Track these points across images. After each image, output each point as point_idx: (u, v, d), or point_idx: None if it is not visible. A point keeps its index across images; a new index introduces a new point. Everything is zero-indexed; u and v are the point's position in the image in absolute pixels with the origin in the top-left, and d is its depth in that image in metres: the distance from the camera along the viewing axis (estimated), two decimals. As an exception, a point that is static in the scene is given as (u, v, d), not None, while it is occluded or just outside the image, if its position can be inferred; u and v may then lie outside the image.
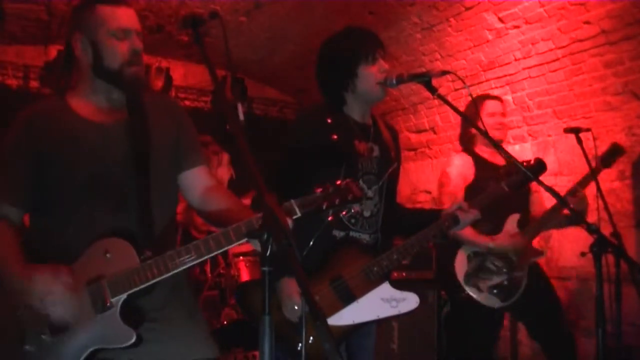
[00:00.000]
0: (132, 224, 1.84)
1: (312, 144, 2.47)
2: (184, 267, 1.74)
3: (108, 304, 1.72)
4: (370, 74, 2.50)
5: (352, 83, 2.52)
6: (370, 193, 2.55)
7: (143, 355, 1.79)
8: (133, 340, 1.72)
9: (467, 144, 3.61)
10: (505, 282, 3.31)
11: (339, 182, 1.85)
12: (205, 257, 1.75)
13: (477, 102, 3.51)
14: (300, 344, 2.28)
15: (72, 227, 1.83)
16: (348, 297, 2.42)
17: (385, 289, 2.47)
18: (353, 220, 2.52)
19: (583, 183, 3.28)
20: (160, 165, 1.94)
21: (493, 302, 3.30)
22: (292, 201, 1.80)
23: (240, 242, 1.71)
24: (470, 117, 3.30)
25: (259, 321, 2.39)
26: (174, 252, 1.73)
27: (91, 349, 1.72)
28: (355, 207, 2.42)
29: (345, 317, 2.39)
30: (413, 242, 2.51)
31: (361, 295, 2.43)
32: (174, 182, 2.03)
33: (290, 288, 2.29)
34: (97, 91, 1.93)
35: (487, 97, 3.64)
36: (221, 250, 1.75)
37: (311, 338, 2.33)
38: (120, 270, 1.73)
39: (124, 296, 1.73)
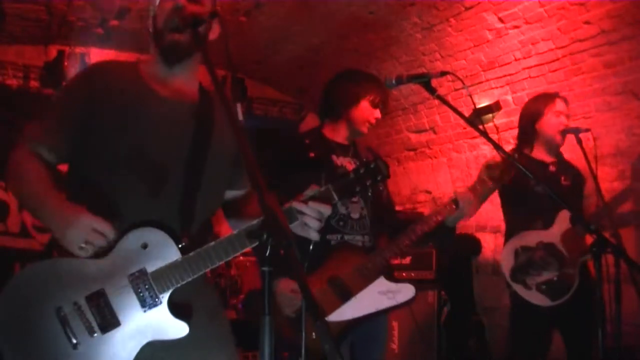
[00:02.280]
0: (174, 212, 1.77)
1: (289, 163, 2.71)
2: (225, 259, 1.71)
3: (157, 300, 1.68)
4: (368, 111, 2.80)
5: (351, 107, 2.80)
6: (353, 198, 2.72)
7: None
8: (187, 331, 1.69)
9: (522, 144, 3.44)
10: (555, 279, 3.11)
11: (369, 162, 1.86)
12: (240, 252, 1.73)
13: (546, 99, 3.39)
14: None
15: (109, 197, 1.75)
16: (346, 295, 2.56)
17: (381, 283, 2.60)
18: (342, 223, 2.68)
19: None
20: (216, 165, 1.88)
21: (541, 300, 3.10)
22: (330, 186, 1.79)
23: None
24: (533, 112, 3.35)
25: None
26: (214, 244, 1.69)
27: (145, 342, 1.67)
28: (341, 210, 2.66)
29: (345, 313, 2.52)
30: (403, 236, 2.63)
31: (358, 291, 2.57)
32: (222, 189, 1.99)
33: (283, 286, 2.45)
34: (159, 62, 1.88)
35: (558, 95, 3.43)
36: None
37: (313, 334, 2.40)
38: (162, 263, 1.68)
39: (170, 291, 1.68)
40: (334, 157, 2.78)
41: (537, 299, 3.11)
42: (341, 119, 2.84)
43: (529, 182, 3.16)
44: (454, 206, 2.67)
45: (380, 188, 2.86)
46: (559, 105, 3.36)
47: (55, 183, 1.75)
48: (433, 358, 4.41)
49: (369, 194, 2.76)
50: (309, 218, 1.73)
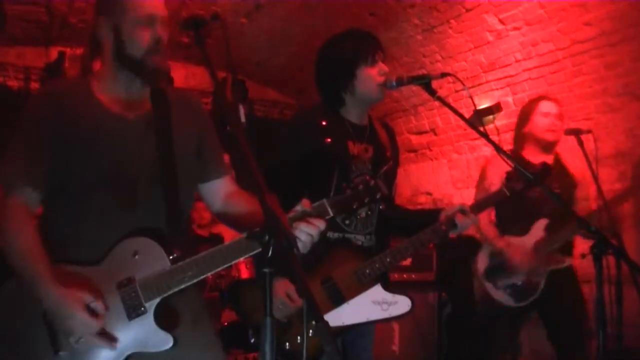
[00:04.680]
0: (159, 223, 1.77)
1: (305, 147, 2.47)
2: (216, 270, 1.69)
3: (142, 309, 1.65)
4: (370, 76, 2.49)
5: (351, 84, 2.51)
6: None
7: None
8: (171, 344, 1.66)
9: (515, 144, 3.62)
10: (519, 284, 3.35)
11: (368, 180, 1.84)
12: (233, 262, 1.71)
13: (531, 102, 3.57)
14: (287, 343, 2.32)
15: (89, 220, 1.74)
16: (338, 299, 2.42)
17: (377, 292, 2.46)
18: (347, 222, 2.52)
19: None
20: (182, 166, 1.87)
21: (506, 300, 3.38)
22: (325, 201, 1.78)
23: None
24: (521, 120, 3.51)
25: (250, 320, 2.41)
26: (206, 253, 1.68)
27: (127, 354, 1.65)
28: None
29: (334, 318, 2.38)
30: (407, 245, 2.48)
31: (351, 297, 2.43)
32: (194, 184, 1.98)
33: (278, 288, 2.30)
34: (119, 80, 1.84)
35: (543, 97, 3.61)
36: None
37: (298, 338, 2.34)
38: (151, 272, 1.66)
39: (157, 300, 1.66)
40: (350, 145, 2.54)
41: (503, 298, 3.39)
42: (346, 101, 2.55)
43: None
44: (453, 227, 2.53)
45: (392, 186, 2.71)
46: (544, 106, 3.48)
47: (40, 237, 1.70)
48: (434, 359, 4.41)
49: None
50: (299, 232, 1.69)
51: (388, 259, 2.46)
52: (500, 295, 3.39)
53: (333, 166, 2.45)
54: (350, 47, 2.52)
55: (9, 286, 1.72)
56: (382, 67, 2.51)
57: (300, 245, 1.67)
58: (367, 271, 2.44)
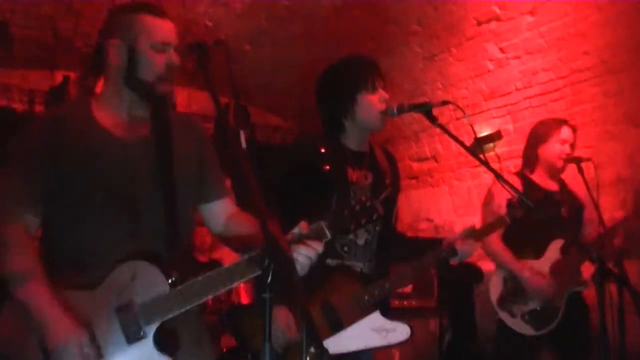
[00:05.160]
0: (158, 246, 1.76)
1: (304, 174, 2.47)
2: (216, 293, 1.68)
3: (142, 333, 1.63)
4: (370, 102, 2.49)
5: (351, 110, 2.50)
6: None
7: None
8: None
9: (526, 164, 3.48)
10: (539, 309, 3.14)
11: (365, 201, 1.83)
12: (233, 285, 1.69)
13: (552, 125, 3.40)
14: None
15: (90, 243, 1.74)
16: (336, 325, 2.38)
17: (375, 319, 2.43)
18: (346, 249, 2.49)
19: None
20: (182, 188, 1.86)
21: (525, 329, 3.14)
22: (322, 223, 1.77)
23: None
24: (538, 137, 3.36)
25: (249, 346, 2.39)
26: (204, 277, 1.66)
27: None
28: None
29: (333, 345, 2.34)
30: (407, 271, 2.47)
31: (350, 324, 2.40)
32: (193, 206, 1.98)
33: (278, 317, 2.25)
34: (122, 102, 1.85)
35: (565, 122, 3.43)
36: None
37: None
38: (150, 296, 1.65)
39: (156, 324, 1.64)
40: (350, 171, 2.53)
41: (522, 327, 3.15)
42: (346, 127, 2.55)
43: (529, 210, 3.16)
44: (453, 254, 2.52)
45: (392, 212, 2.67)
46: (565, 132, 3.37)
47: (39, 261, 1.70)
48: (434, 388, 4.36)
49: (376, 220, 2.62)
50: (297, 254, 1.69)
51: (387, 285, 2.44)
52: (519, 324, 3.15)
53: (331, 192, 2.45)
54: (351, 73, 2.53)
55: (8, 308, 1.71)
56: (382, 94, 2.51)
57: (298, 267, 1.67)
58: (366, 297, 2.41)
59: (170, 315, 1.65)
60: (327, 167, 2.48)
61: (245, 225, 1.95)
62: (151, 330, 1.65)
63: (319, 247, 1.72)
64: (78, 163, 1.76)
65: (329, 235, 1.77)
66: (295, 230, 1.75)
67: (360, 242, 2.52)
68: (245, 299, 4.42)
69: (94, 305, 1.66)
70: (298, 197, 2.43)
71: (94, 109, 1.86)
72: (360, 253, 2.53)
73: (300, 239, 1.72)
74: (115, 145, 1.82)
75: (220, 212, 2.02)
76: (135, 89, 1.83)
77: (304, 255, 1.69)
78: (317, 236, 1.75)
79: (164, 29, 1.84)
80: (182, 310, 1.65)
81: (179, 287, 1.66)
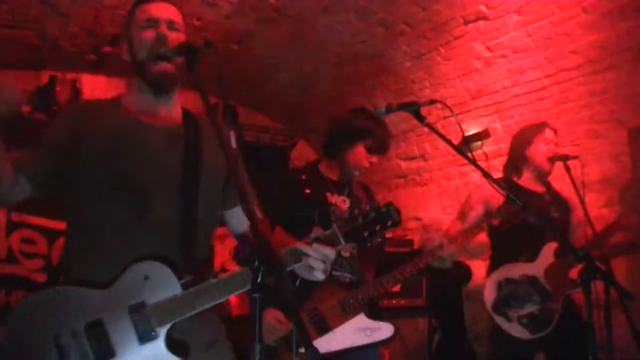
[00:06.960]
0: (173, 244, 1.76)
1: (289, 197, 2.78)
2: (227, 297, 1.68)
3: (154, 334, 1.64)
4: (362, 154, 2.84)
5: (346, 150, 2.85)
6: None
7: None
8: None
9: (509, 169, 3.52)
10: (537, 312, 3.15)
11: (380, 206, 1.85)
12: (244, 289, 1.69)
13: (534, 128, 3.48)
14: None
15: (105, 228, 1.74)
16: (323, 328, 2.60)
17: (360, 320, 2.66)
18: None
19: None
20: (209, 185, 1.88)
21: (521, 333, 3.14)
22: (335, 229, 1.79)
23: None
24: (522, 141, 3.44)
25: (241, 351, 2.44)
26: (217, 280, 1.67)
27: None
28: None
29: (321, 345, 2.53)
30: (389, 278, 2.72)
31: (336, 326, 2.62)
32: (219, 209, 1.98)
33: (266, 315, 2.49)
34: (140, 91, 1.90)
35: (547, 125, 3.51)
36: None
37: None
38: (162, 297, 1.66)
39: (168, 325, 1.65)
40: (329, 195, 2.84)
41: (518, 331, 3.15)
42: (337, 158, 2.90)
43: (519, 215, 3.17)
44: (439, 257, 2.83)
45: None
46: (548, 133, 3.44)
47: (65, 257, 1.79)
48: (424, 386, 4.38)
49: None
50: (313, 260, 1.73)
51: (371, 290, 2.70)
52: (515, 328, 3.15)
53: (313, 211, 2.74)
54: (368, 124, 2.87)
55: (22, 306, 1.71)
56: (373, 159, 2.88)
57: (317, 273, 1.75)
58: (351, 301, 2.66)
59: (181, 317, 1.66)
60: (307, 191, 2.82)
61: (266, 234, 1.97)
62: (163, 330, 1.66)
63: (331, 253, 1.75)
64: (98, 143, 1.79)
65: (342, 241, 1.79)
66: (312, 235, 1.78)
67: (345, 254, 2.75)
68: (235, 311, 4.40)
69: (107, 304, 1.66)
70: (286, 217, 2.70)
71: (123, 101, 1.94)
72: (346, 264, 2.78)
73: (314, 243, 1.75)
74: (136, 125, 1.85)
75: (244, 217, 2.03)
76: (138, 72, 1.88)
77: (319, 256, 1.73)
78: (330, 242, 1.77)
79: (151, 9, 1.89)
80: (194, 312, 1.66)
81: (191, 290, 1.67)
